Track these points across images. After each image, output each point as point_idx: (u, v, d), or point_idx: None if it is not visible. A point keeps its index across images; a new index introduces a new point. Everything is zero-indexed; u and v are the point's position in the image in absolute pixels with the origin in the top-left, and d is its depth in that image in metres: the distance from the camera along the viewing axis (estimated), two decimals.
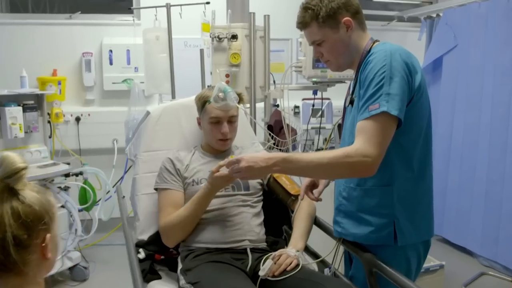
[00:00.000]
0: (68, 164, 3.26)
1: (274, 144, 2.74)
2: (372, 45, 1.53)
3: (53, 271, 3.04)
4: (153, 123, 2.06)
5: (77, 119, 3.72)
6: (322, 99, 2.86)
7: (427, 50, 3.97)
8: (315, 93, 2.79)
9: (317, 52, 1.61)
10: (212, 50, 2.59)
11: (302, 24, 1.58)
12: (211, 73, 2.67)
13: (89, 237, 3.43)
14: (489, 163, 3.35)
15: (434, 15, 3.95)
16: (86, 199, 3.45)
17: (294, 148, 2.82)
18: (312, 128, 3.53)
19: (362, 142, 1.37)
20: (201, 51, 2.83)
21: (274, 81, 2.89)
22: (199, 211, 1.77)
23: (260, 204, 1.93)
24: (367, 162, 1.36)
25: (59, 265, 3.08)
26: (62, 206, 3.21)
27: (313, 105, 2.88)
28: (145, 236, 1.93)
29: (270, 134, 2.71)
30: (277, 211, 2.00)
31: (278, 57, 4.13)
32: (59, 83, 3.57)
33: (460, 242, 3.64)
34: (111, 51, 3.67)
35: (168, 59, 2.83)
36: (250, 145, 2.16)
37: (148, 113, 2.08)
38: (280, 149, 2.76)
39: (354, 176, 1.51)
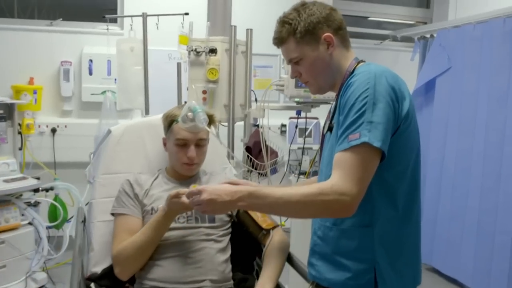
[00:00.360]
0: (38, 178, 3.03)
1: (252, 167, 2.53)
2: (356, 66, 1.33)
3: None
4: (114, 143, 1.85)
5: (53, 131, 3.50)
6: (306, 118, 2.67)
7: (420, 71, 3.80)
8: (298, 113, 2.60)
9: (295, 71, 1.42)
10: (189, 64, 2.39)
11: (278, 40, 1.39)
12: (188, 88, 2.47)
13: (58, 256, 3.19)
14: (481, 192, 3.14)
15: (428, 36, 3.78)
16: (56, 216, 3.21)
17: (275, 171, 2.61)
18: (299, 148, 3.34)
19: (339, 178, 1.17)
20: (178, 65, 2.64)
21: (256, 99, 2.69)
22: (156, 237, 1.57)
23: (227, 237, 1.72)
24: (345, 201, 1.16)
25: (21, 287, 2.83)
26: (30, 223, 2.99)
27: (296, 126, 2.68)
28: (99, 269, 1.72)
29: (248, 157, 2.50)
30: (248, 244, 1.79)
31: (266, 73, 3.94)
32: (35, 92, 3.36)
33: (451, 273, 3.42)
34: (91, 60, 3.47)
35: (143, 72, 2.63)
36: (221, 171, 1.95)
37: (109, 131, 1.87)
38: (259, 173, 2.55)
39: (330, 216, 1.31)
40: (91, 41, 3.49)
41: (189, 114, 1.64)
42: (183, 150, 1.70)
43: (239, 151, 2.62)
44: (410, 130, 1.28)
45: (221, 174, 1.89)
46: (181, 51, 2.40)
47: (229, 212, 1.75)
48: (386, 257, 1.28)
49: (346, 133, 1.19)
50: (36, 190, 3.00)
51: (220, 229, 1.69)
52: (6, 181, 2.87)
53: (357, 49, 1.44)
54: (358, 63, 1.36)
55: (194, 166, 1.73)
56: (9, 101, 2.97)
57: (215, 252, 1.62)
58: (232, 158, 2.12)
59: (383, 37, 4.47)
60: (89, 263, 1.76)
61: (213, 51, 2.36)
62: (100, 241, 1.76)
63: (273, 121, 3.97)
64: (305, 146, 3.14)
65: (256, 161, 2.50)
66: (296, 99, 2.35)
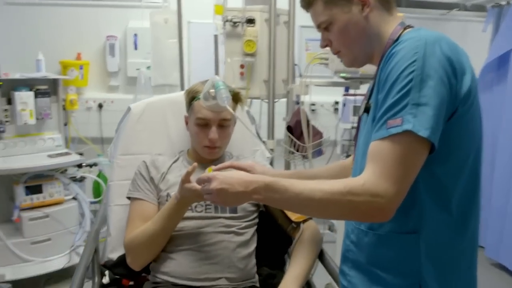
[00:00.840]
0: (81, 154, 2.98)
1: (294, 148, 2.29)
2: (402, 32, 1.05)
3: (60, 267, 2.79)
4: (134, 121, 1.69)
5: (100, 106, 3.43)
6: (355, 95, 2.37)
7: (493, 43, 3.32)
8: (346, 89, 2.31)
9: (325, 39, 1.16)
10: (225, 36, 2.17)
11: (306, 2, 1.14)
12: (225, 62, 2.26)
13: (103, 231, 3.15)
14: None
15: (504, 3, 3.29)
16: (99, 191, 3.18)
17: (320, 153, 2.35)
18: (353, 128, 3.03)
19: (373, 174, 0.93)
20: (215, 37, 2.42)
21: (300, 75, 2.42)
22: (168, 227, 1.40)
23: (252, 230, 1.51)
24: (378, 204, 0.91)
25: (65, 261, 2.83)
26: (74, 198, 2.97)
27: (344, 104, 2.40)
28: (115, 255, 1.59)
29: (289, 137, 2.26)
30: (277, 236, 1.57)
31: (319, 47, 3.62)
32: (81, 68, 3.29)
33: None
34: (136, 35, 3.33)
35: (178, 45, 2.44)
36: (251, 154, 1.73)
37: (128, 108, 1.70)
38: (303, 155, 2.31)
39: (360, 220, 1.06)
40: (136, 15, 3.35)
41: (211, 91, 1.42)
42: (204, 131, 1.50)
43: (281, 131, 2.39)
44: (471, 114, 0.98)
45: (250, 157, 1.66)
46: (217, 22, 2.19)
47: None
48: (434, 272, 1.01)
49: (385, 117, 0.93)
50: (79, 166, 2.97)
51: (243, 220, 1.48)
52: (50, 156, 2.85)
53: (420, 20, 1.15)
54: (405, 28, 1.07)
55: (216, 150, 1.52)
56: (52, 76, 2.92)
57: (235, 247, 1.42)
58: (263, 142, 1.89)
59: (450, 6, 3.97)
60: (106, 248, 1.64)
61: (250, 21, 2.12)
62: (117, 226, 1.62)
63: (326, 98, 3.70)
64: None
65: (297, 142, 2.26)
66: (342, 74, 2.07)
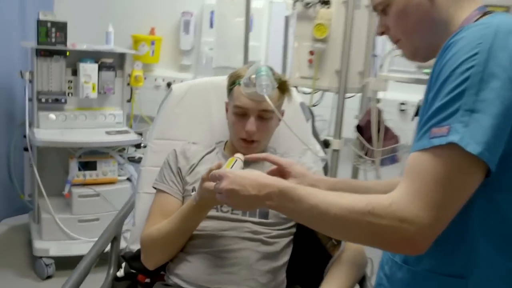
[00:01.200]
0: (140, 134, 3.04)
1: (363, 151, 2.14)
2: (478, 18, 0.89)
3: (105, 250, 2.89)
4: (173, 104, 1.65)
5: (168, 85, 3.48)
6: None
7: None
8: None
9: (381, 25, 1.04)
10: (295, 18, 2.08)
11: None
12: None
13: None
14: None
15: None
16: None
17: (393, 161, 2.17)
18: None
19: (405, 193, 0.79)
20: (286, 18, 2.32)
21: (381, 67, 2.25)
22: (185, 229, 1.35)
23: (284, 240, 1.41)
24: (406, 232, 0.78)
25: None
26: (128, 179, 3.05)
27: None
28: (135, 247, 1.57)
29: (358, 139, 2.12)
30: (316, 251, 1.45)
31: None
32: (153, 43, 3.36)
33: None
34: (212, 12, 3.31)
35: (244, 24, 2.37)
36: (299, 153, 1.61)
37: (170, 89, 1.68)
38: (373, 160, 2.16)
39: (383, 248, 0.93)
40: None
41: (253, 76, 1.35)
42: (242, 121, 1.42)
43: (349, 129, 2.25)
44: None
45: (295, 157, 1.55)
46: (288, 2, 2.10)
47: None
48: None
49: (430, 124, 0.80)
50: (138, 146, 3.03)
51: (274, 228, 1.38)
52: (108, 133, 2.91)
53: None
54: (484, 14, 0.90)
55: (253, 144, 1.44)
56: (119, 50, 3.00)
57: (259, 257, 1.33)
58: (326, 146, 1.77)
59: None
60: (129, 238, 1.64)
61: (325, 2, 2.00)
62: (142, 216, 1.60)
63: (416, 96, 3.44)
64: None
65: (367, 144, 2.11)
66: (425, 70, 1.87)
